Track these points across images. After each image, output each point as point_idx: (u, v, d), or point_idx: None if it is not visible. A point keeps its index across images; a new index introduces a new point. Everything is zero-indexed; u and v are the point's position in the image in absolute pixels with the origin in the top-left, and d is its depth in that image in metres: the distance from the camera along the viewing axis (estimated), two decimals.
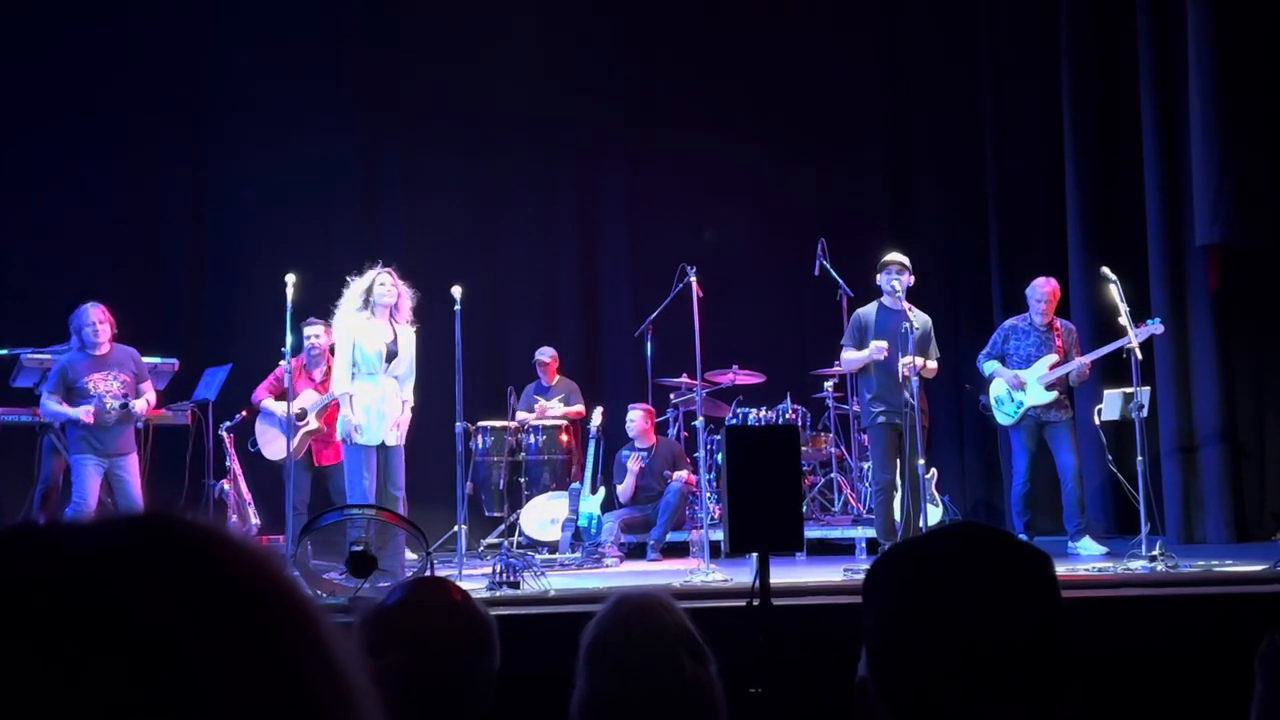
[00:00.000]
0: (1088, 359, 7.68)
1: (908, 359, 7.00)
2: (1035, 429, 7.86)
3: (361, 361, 6.81)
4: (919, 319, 7.20)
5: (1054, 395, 7.78)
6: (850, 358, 7.42)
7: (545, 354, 9.41)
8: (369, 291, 6.82)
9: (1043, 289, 7.86)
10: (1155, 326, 7.43)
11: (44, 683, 0.49)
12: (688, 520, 8.59)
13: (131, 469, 7.30)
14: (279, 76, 10.15)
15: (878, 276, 7.40)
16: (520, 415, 9.25)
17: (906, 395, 7.01)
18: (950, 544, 1.26)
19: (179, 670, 0.51)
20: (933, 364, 7.32)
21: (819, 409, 9.44)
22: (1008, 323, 8.09)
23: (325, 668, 0.56)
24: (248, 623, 0.54)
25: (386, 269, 6.91)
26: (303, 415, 7.75)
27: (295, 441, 7.48)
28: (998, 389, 7.96)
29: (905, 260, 7.36)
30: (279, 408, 8.03)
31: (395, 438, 6.81)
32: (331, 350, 7.44)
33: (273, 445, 8.21)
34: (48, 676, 0.49)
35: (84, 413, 7.12)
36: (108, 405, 7.17)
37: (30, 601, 0.51)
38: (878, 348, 7.14)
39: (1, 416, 8.09)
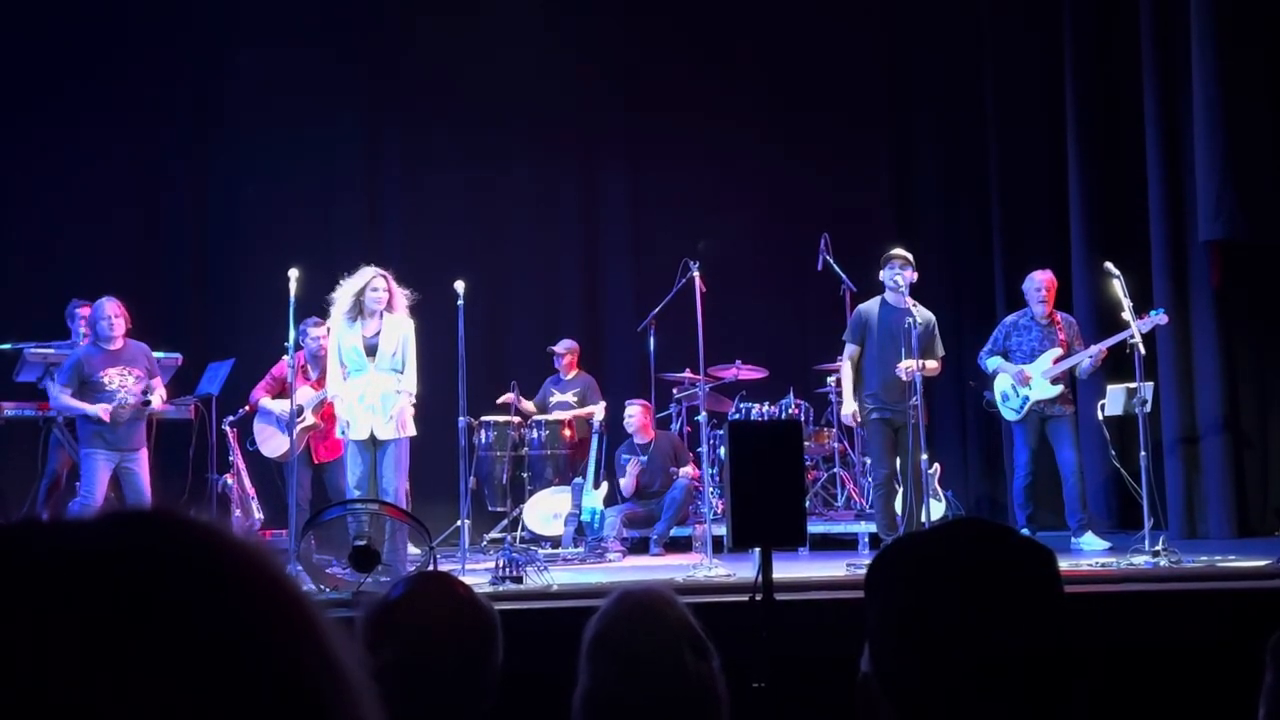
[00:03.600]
0: (1100, 347, 7.63)
1: (908, 363, 6.98)
2: (1039, 423, 7.85)
3: (346, 360, 6.81)
4: (922, 315, 7.16)
5: (1059, 389, 7.76)
6: (846, 382, 7.42)
7: (562, 346, 9.39)
8: (360, 294, 6.73)
9: (1039, 280, 7.85)
10: (1159, 317, 7.40)
11: (38, 679, 0.49)
12: (690, 515, 8.59)
13: (142, 464, 7.32)
14: (281, 72, 10.15)
15: (881, 272, 7.37)
16: (525, 405, 9.21)
17: (909, 396, 6.98)
18: (952, 540, 1.26)
19: (174, 669, 0.51)
20: (934, 364, 7.27)
21: (822, 404, 9.43)
22: (1008, 319, 8.08)
23: (322, 665, 0.56)
24: (244, 621, 0.54)
25: (381, 273, 6.81)
26: (300, 412, 7.75)
27: (293, 438, 7.49)
28: (1002, 384, 7.95)
29: (909, 255, 7.32)
30: (276, 406, 8.05)
31: (390, 430, 6.71)
32: None
33: (270, 443, 8.22)
34: (42, 673, 0.49)
35: (101, 410, 7.11)
36: (124, 400, 7.17)
37: (27, 598, 0.51)
38: (849, 416, 7.38)
39: (6, 411, 8.09)
